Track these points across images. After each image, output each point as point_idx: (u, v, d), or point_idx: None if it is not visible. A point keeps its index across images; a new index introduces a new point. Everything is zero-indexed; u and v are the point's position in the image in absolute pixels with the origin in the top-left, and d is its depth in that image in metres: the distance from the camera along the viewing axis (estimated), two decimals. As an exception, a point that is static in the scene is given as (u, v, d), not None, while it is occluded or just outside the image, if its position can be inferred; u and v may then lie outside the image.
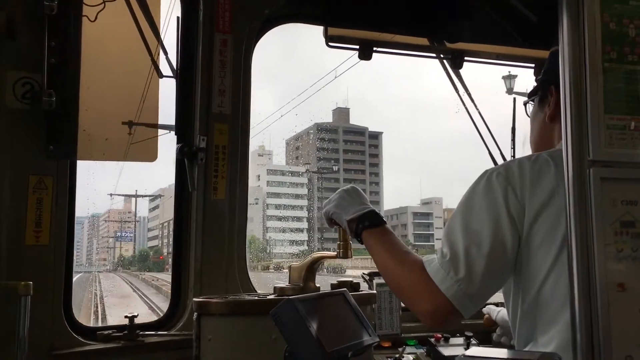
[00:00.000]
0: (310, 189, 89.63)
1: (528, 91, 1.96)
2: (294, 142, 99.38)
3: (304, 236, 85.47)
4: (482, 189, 1.60)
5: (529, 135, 1.95)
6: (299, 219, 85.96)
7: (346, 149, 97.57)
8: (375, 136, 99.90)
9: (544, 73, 1.87)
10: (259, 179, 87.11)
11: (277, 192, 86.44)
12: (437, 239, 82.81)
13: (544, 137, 1.83)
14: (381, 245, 1.73)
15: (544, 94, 1.83)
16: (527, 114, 1.98)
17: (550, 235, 1.53)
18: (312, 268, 2.11)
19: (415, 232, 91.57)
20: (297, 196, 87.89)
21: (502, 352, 1.27)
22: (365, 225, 1.77)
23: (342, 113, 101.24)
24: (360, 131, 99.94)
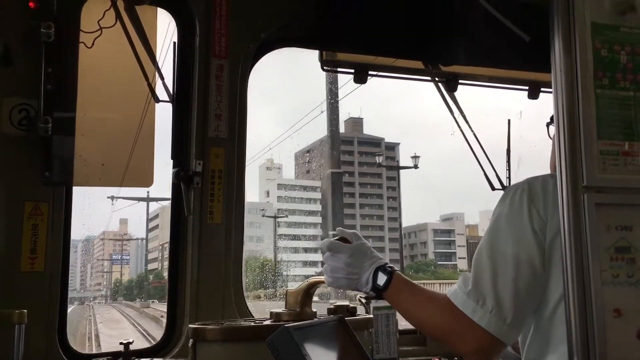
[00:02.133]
0: (324, 205, 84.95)
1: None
2: (304, 155, 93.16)
3: (318, 256, 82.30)
4: (507, 209, 1.60)
5: (550, 157, 1.91)
6: (312, 237, 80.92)
7: (362, 162, 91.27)
8: (392, 147, 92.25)
9: None
10: (268, 195, 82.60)
11: (288, 208, 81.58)
12: (459, 258, 78.58)
13: None
14: (402, 299, 1.71)
15: None
16: (549, 136, 1.96)
17: None
18: (309, 293, 2.09)
19: (437, 250, 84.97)
20: (310, 213, 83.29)
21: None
22: (380, 289, 1.71)
23: (355, 124, 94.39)
24: (376, 142, 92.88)
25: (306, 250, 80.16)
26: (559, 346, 1.53)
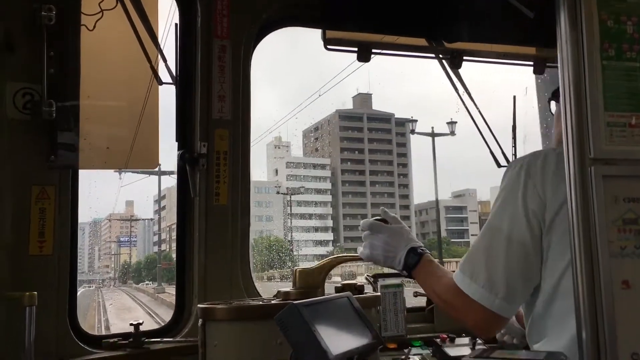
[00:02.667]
0: (334, 183, 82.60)
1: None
2: (311, 133, 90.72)
3: (328, 236, 78.53)
4: (505, 184, 1.64)
5: (553, 134, 1.94)
6: (322, 216, 79.11)
7: (371, 138, 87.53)
8: (402, 124, 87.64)
9: None
10: (276, 174, 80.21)
11: (298, 186, 78.86)
12: (472, 235, 75.95)
13: None
14: (426, 279, 1.81)
15: None
16: (550, 112, 1.98)
17: (567, 231, 1.53)
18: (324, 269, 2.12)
19: (448, 227, 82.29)
20: (320, 191, 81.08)
21: (508, 353, 1.27)
22: (410, 268, 1.81)
23: (364, 99, 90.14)
24: (386, 118, 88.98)
25: (317, 229, 78.29)
26: (563, 320, 1.54)
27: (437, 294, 1.75)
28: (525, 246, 1.57)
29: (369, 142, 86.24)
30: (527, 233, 1.57)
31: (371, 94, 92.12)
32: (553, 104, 1.97)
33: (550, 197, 1.57)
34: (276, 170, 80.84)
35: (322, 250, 71.32)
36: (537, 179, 1.59)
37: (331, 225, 79.63)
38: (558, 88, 1.89)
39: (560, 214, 1.55)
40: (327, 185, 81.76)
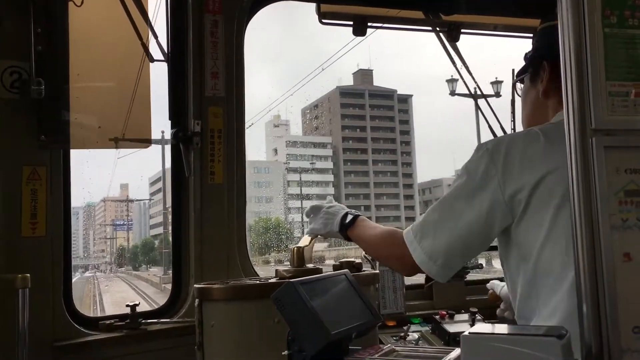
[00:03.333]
0: (335, 162, 79.38)
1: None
2: (311, 110, 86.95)
3: None
4: (467, 166, 1.65)
5: (521, 114, 1.93)
6: (323, 197, 78.62)
7: (373, 115, 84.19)
8: (405, 99, 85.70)
9: (534, 50, 1.85)
10: (276, 153, 77.31)
11: (298, 167, 75.44)
12: None
13: (537, 114, 1.81)
14: (363, 233, 1.96)
15: (535, 70, 1.81)
16: (517, 94, 1.99)
17: (541, 209, 1.53)
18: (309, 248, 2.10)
19: None
20: (321, 171, 77.67)
21: (508, 328, 1.25)
22: (346, 227, 1.99)
23: (365, 75, 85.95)
24: (388, 94, 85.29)
25: None
26: (549, 299, 1.54)
27: (375, 239, 1.89)
28: (471, 231, 1.61)
29: (371, 119, 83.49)
30: (475, 219, 1.60)
31: (372, 70, 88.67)
32: (519, 85, 1.95)
33: (515, 181, 1.56)
34: (275, 150, 78.63)
35: None
36: (499, 164, 1.58)
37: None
38: (521, 69, 1.89)
39: (533, 196, 1.54)
40: (329, 164, 79.51)
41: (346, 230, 1.97)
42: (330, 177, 78.12)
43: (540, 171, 1.54)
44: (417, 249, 1.66)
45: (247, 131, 2.70)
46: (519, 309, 1.67)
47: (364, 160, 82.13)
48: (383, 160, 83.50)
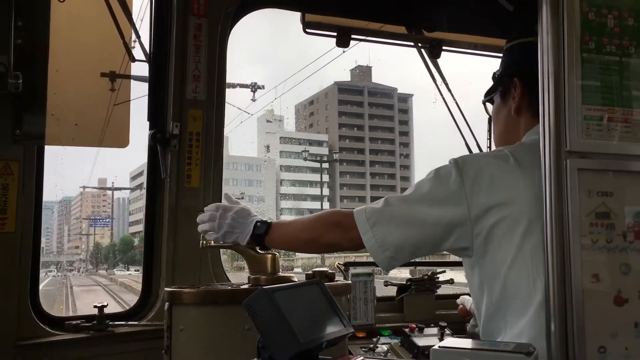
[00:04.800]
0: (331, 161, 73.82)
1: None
2: (305, 107, 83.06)
3: None
4: (441, 171, 1.64)
5: (493, 133, 1.95)
6: (317, 197, 71.53)
7: (372, 114, 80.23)
8: (405, 99, 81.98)
9: (505, 68, 1.87)
10: (268, 150, 74.00)
11: (293, 165, 72.06)
12: None
13: (510, 131, 1.81)
14: (287, 231, 1.88)
15: (505, 88, 1.82)
16: (487, 112, 2.01)
17: (508, 232, 1.53)
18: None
19: None
20: (315, 170, 73.12)
21: (477, 343, 1.26)
22: (262, 235, 1.86)
23: (363, 72, 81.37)
24: (387, 92, 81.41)
25: (312, 212, 74.59)
26: (517, 320, 1.54)
27: (309, 223, 1.82)
28: (425, 236, 1.63)
29: (369, 118, 79.73)
30: (432, 227, 1.61)
31: (371, 67, 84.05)
32: (489, 106, 1.97)
33: (483, 204, 1.56)
34: (267, 147, 75.19)
35: None
36: (468, 186, 1.58)
37: (328, 207, 74.19)
38: (490, 88, 1.92)
39: (500, 220, 1.54)
40: (325, 163, 75.09)
41: (263, 239, 1.87)
42: (325, 177, 74.12)
43: (508, 194, 1.54)
44: (367, 233, 1.64)
45: (236, 127, 2.65)
46: (484, 327, 1.68)
47: (361, 160, 78.63)
48: (381, 162, 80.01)
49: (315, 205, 71.38)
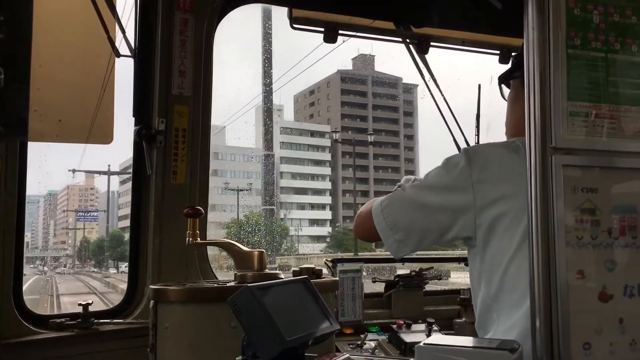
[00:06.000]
0: (333, 154, 71.69)
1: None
2: (305, 97, 78.88)
3: (326, 214, 69.16)
4: (450, 160, 1.67)
5: (506, 120, 1.90)
6: (319, 191, 69.55)
7: (376, 104, 76.10)
8: (410, 89, 77.54)
9: None
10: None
11: (293, 157, 68.38)
12: None
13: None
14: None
15: None
16: (502, 96, 1.94)
17: (512, 224, 1.55)
18: None
19: None
20: (318, 162, 71.08)
21: (463, 340, 1.26)
22: None
23: (366, 61, 76.84)
24: (392, 82, 76.19)
25: (313, 206, 69.62)
26: (512, 313, 1.56)
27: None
28: (431, 223, 1.66)
29: (373, 108, 75.80)
30: (438, 214, 1.64)
31: (374, 56, 78.70)
32: (505, 89, 1.92)
33: (490, 194, 1.58)
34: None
35: (319, 230, 63.79)
36: (476, 174, 1.60)
37: (329, 202, 70.65)
38: (507, 71, 1.88)
39: (506, 211, 1.56)
40: (327, 155, 72.80)
41: None
42: (327, 170, 72.06)
43: (514, 187, 1.54)
44: (379, 215, 1.69)
45: (237, 119, 2.58)
46: (478, 319, 1.69)
47: (364, 153, 74.36)
48: (384, 155, 76.52)
49: (319, 199, 69.34)
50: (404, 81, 77.11)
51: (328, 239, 59.92)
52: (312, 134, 72.96)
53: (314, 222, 67.72)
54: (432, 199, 1.65)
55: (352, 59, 79.08)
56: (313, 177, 70.65)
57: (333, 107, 76.20)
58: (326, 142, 72.33)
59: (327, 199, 70.36)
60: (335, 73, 75.99)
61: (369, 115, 75.59)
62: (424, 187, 1.70)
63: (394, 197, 1.73)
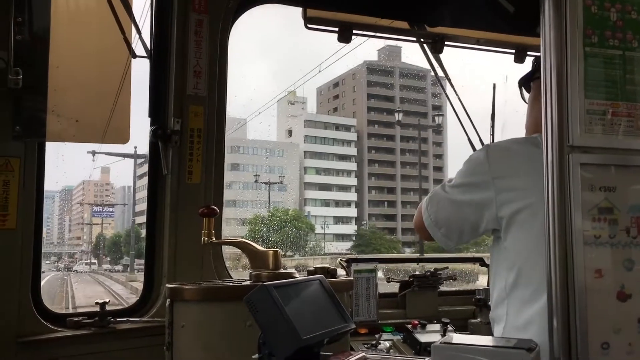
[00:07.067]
0: (359, 148, 69.26)
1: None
2: (329, 89, 76.13)
3: (352, 211, 66.70)
4: (470, 160, 1.76)
5: (526, 121, 1.92)
6: (344, 187, 67.27)
7: (403, 97, 72.42)
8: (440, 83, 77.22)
9: None
10: (290, 135, 68.28)
11: (318, 151, 66.14)
12: None
13: None
14: None
15: None
16: (522, 98, 1.97)
17: (531, 217, 1.56)
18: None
19: None
20: (343, 157, 68.74)
21: (479, 339, 1.25)
22: None
23: (392, 53, 72.01)
24: (421, 74, 72.17)
25: (337, 203, 67.04)
26: (529, 306, 1.57)
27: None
28: (464, 218, 1.75)
29: (400, 102, 71.75)
30: (465, 209, 1.73)
31: (401, 47, 73.26)
32: (525, 91, 1.95)
33: (508, 184, 1.63)
34: (289, 131, 68.91)
35: (344, 228, 61.25)
36: (496, 167, 1.66)
37: (355, 199, 68.21)
38: (527, 74, 1.88)
39: (525, 203, 1.58)
40: (352, 150, 70.06)
41: None
42: (353, 165, 69.26)
43: (533, 180, 1.54)
44: (425, 213, 1.82)
45: (259, 114, 2.53)
46: (492, 312, 1.74)
47: (391, 148, 72.01)
48: (412, 150, 71.97)
49: (344, 196, 67.15)
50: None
51: (354, 238, 58.03)
52: (337, 127, 70.76)
53: (338, 219, 65.72)
54: (459, 196, 1.74)
55: (378, 50, 76.27)
56: (338, 172, 68.61)
57: (359, 99, 73.29)
58: (352, 136, 70.18)
59: (352, 196, 68.18)
60: (361, 64, 72.96)
61: (396, 108, 69.57)
62: (453, 185, 1.78)
63: (433, 195, 1.83)
